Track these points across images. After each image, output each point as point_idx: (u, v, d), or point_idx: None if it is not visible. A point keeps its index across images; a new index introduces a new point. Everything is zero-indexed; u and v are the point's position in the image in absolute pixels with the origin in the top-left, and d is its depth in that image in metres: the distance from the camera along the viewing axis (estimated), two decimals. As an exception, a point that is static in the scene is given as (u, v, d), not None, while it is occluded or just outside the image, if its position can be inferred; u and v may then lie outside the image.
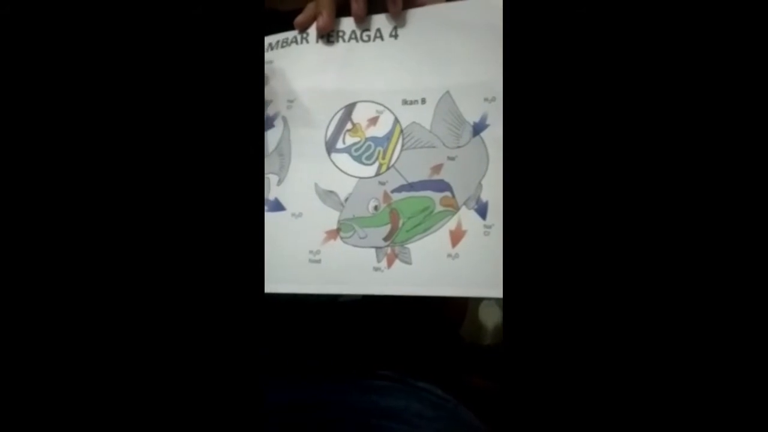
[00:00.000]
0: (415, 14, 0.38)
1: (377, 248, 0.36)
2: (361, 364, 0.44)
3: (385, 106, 0.38)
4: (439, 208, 0.36)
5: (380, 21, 0.38)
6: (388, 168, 0.37)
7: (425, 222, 0.36)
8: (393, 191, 0.37)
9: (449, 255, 0.35)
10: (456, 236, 0.36)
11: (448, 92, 0.37)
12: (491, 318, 0.74)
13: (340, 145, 0.38)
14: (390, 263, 0.36)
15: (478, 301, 0.73)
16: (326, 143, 0.38)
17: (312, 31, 0.39)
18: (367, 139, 0.38)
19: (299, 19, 0.39)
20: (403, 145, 0.37)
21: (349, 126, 0.38)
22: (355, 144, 0.38)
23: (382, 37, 0.38)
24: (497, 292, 0.35)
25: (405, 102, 0.38)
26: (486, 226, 0.36)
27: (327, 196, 0.38)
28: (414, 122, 0.37)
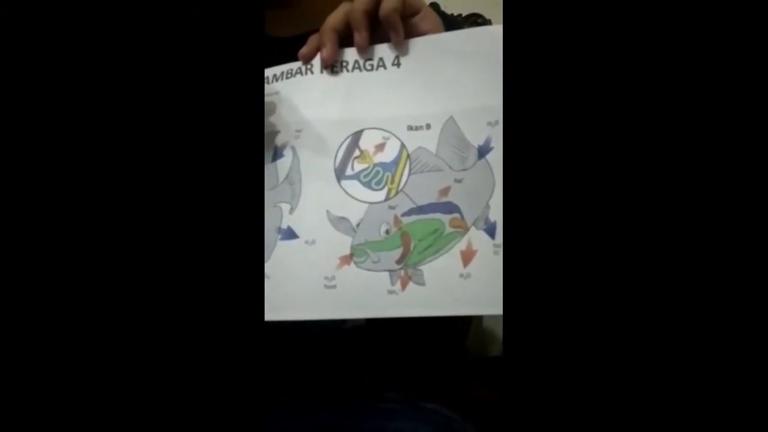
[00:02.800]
0: (416, 43, 0.39)
1: (391, 271, 0.37)
2: (368, 387, 0.45)
3: (391, 133, 0.39)
4: (448, 229, 0.37)
5: (382, 50, 0.39)
6: (397, 192, 0.38)
7: (436, 243, 0.37)
8: (403, 215, 0.38)
9: (461, 275, 0.36)
10: (467, 256, 0.37)
11: (451, 117, 0.38)
12: (497, 328, 0.75)
13: (349, 171, 0.39)
14: (404, 286, 0.37)
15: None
16: (336, 170, 0.39)
17: (316, 62, 0.40)
18: (375, 165, 0.39)
19: (303, 51, 0.40)
20: (410, 170, 0.38)
21: (357, 153, 0.39)
22: (363, 170, 0.39)
23: (384, 66, 0.39)
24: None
25: (410, 128, 0.38)
26: (495, 245, 0.36)
27: (339, 222, 0.38)
28: (420, 147, 0.38)
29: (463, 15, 0.79)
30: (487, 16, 0.80)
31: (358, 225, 0.38)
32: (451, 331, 0.53)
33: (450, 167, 0.38)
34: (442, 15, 0.55)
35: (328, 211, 0.38)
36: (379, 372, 0.46)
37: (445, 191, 0.38)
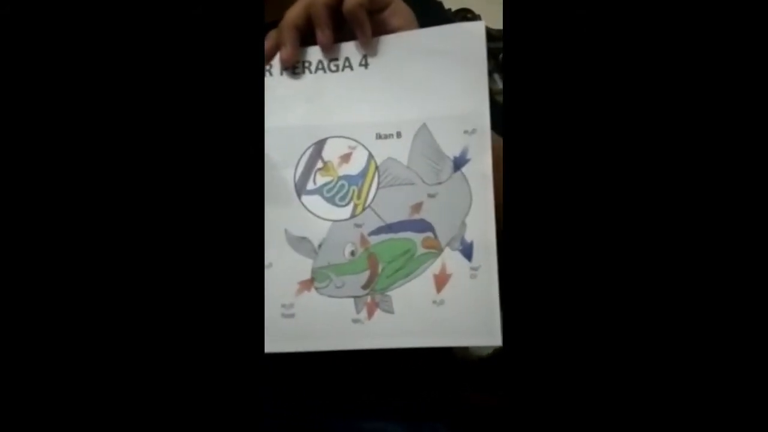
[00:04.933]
0: (386, 41, 0.35)
1: (356, 298, 0.34)
2: (341, 388, 0.42)
3: (357, 142, 0.35)
4: (421, 250, 0.34)
5: (349, 49, 0.36)
6: (363, 209, 0.35)
7: (407, 266, 0.34)
8: (370, 234, 0.35)
9: (434, 301, 0.34)
10: (440, 280, 0.34)
11: (424, 125, 0.35)
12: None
13: (310, 186, 0.35)
14: (370, 314, 0.34)
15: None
16: (296, 185, 0.35)
17: (276, 62, 0.36)
18: (339, 178, 0.35)
19: (261, 50, 0.36)
20: (379, 183, 0.35)
21: (319, 165, 0.36)
22: (327, 184, 0.35)
23: (351, 67, 0.36)
24: (488, 339, 0.33)
25: (379, 136, 0.35)
26: (472, 269, 0.34)
27: (299, 242, 0.35)
28: (390, 158, 0.35)
29: (453, 10, 0.75)
30: (478, 11, 0.76)
31: (320, 246, 0.35)
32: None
33: (423, 180, 0.35)
34: (438, 6, 0.51)
35: (286, 231, 0.35)
36: (355, 372, 0.43)
37: (417, 207, 0.34)
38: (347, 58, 0.36)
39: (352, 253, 0.35)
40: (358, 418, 0.41)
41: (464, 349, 0.74)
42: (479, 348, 0.74)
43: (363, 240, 0.35)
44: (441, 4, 0.50)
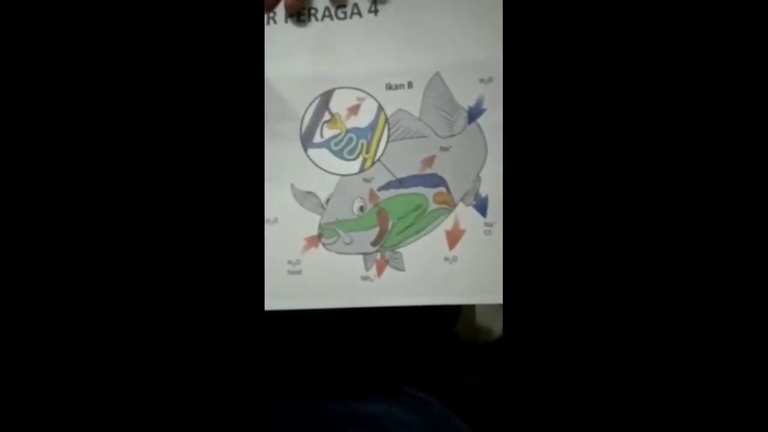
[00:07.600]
0: None
1: (365, 254, 0.33)
2: (341, 371, 0.42)
3: (366, 93, 0.34)
4: (432, 205, 0.33)
5: None
6: (373, 163, 0.34)
7: (418, 222, 0.33)
8: (380, 189, 0.33)
9: (446, 258, 0.33)
10: (453, 237, 0.33)
11: (437, 74, 0.33)
12: (489, 315, 0.72)
13: (317, 139, 0.34)
14: (380, 271, 0.33)
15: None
16: (302, 138, 0.34)
17: (280, 9, 0.35)
18: (348, 131, 0.34)
19: (265, -4, 0.34)
20: (389, 136, 0.34)
21: (326, 117, 0.34)
22: (334, 137, 0.34)
23: (360, 14, 0.34)
24: (501, 298, 0.31)
25: (389, 87, 0.34)
26: (487, 224, 0.33)
27: (305, 197, 0.34)
28: (400, 109, 0.34)
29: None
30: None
31: (327, 201, 0.34)
32: (439, 315, 0.50)
33: (435, 133, 0.33)
34: None
35: (292, 185, 0.34)
36: (360, 354, 0.43)
37: (429, 161, 0.33)
38: (356, 5, 0.34)
39: (361, 209, 0.33)
40: (358, 400, 0.41)
41: (469, 334, 0.74)
42: (485, 333, 0.74)
43: (372, 195, 0.33)
44: None
